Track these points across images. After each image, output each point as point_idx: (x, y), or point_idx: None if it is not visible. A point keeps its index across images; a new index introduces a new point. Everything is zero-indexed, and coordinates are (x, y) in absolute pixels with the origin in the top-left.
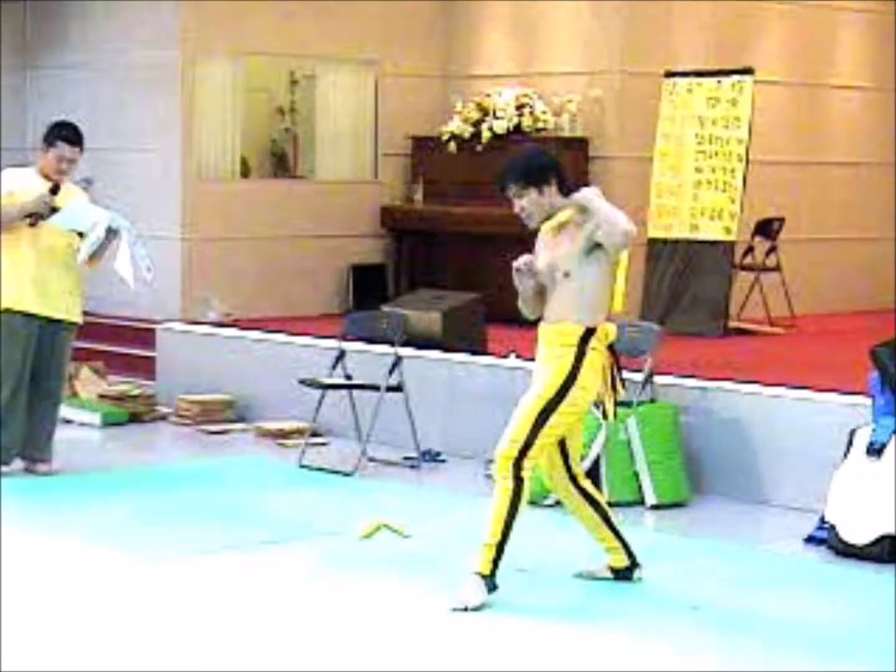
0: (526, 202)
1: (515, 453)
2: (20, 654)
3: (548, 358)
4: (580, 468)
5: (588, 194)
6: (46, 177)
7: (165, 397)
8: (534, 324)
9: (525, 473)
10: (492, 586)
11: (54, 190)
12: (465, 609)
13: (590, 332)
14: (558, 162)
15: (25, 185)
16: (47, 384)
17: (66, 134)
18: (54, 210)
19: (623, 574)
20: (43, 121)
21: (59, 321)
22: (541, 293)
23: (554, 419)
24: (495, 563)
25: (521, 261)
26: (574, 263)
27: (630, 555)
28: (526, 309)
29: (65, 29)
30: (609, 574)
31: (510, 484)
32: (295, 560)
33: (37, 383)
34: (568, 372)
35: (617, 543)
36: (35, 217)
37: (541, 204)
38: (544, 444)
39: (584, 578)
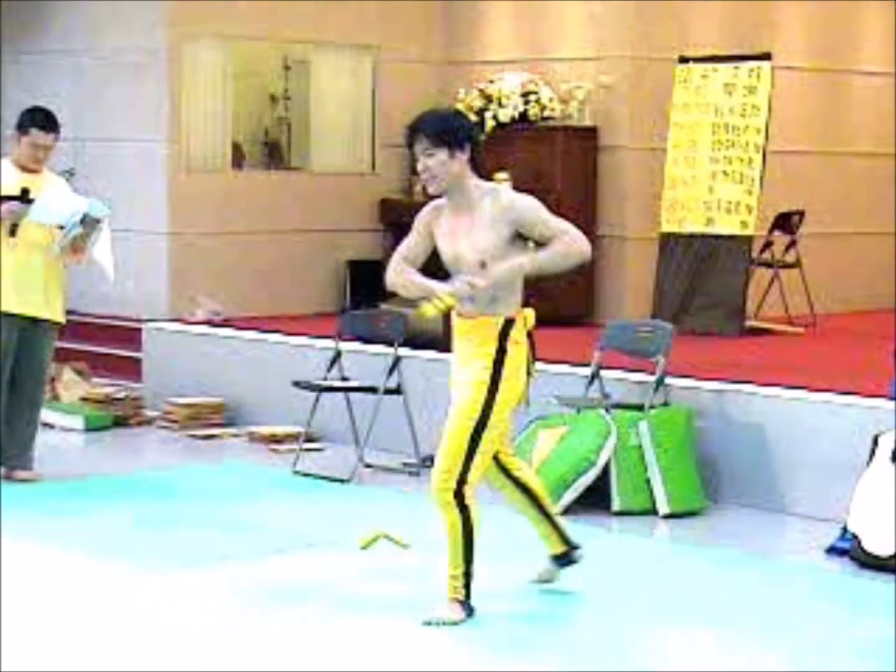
0: (433, 162)
1: (453, 486)
2: (8, 662)
3: (467, 355)
4: (511, 458)
5: (535, 210)
6: (22, 168)
7: (152, 400)
8: (541, 323)
9: (469, 501)
10: (469, 611)
11: (23, 195)
12: (434, 623)
13: (509, 324)
14: (477, 134)
15: (2, 177)
16: (26, 387)
17: (38, 120)
18: (30, 201)
19: (564, 559)
20: (23, 108)
21: (40, 321)
22: (411, 262)
23: (486, 435)
24: (467, 587)
25: (462, 288)
26: (496, 253)
27: (565, 539)
28: (405, 293)
29: (45, 12)
30: (553, 566)
31: (457, 516)
32: (289, 572)
33: (15, 386)
34: (489, 382)
35: (549, 529)
36: (10, 226)
37: (449, 169)
38: (482, 461)
39: (539, 583)
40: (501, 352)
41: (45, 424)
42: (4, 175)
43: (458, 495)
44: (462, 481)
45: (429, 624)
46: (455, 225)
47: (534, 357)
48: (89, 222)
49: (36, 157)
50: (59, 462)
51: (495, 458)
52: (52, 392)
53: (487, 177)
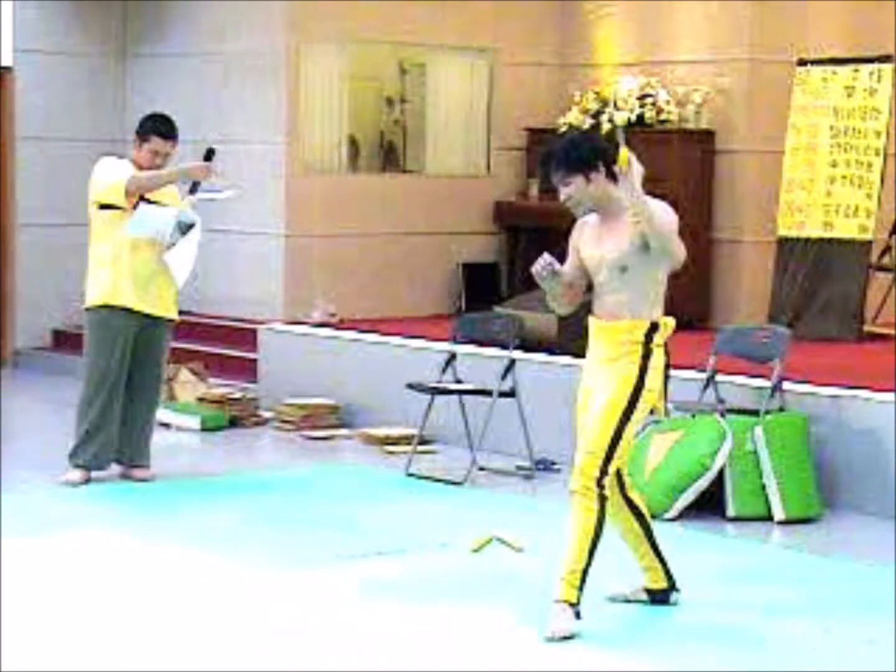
0: (572, 190)
1: (598, 466)
2: (120, 656)
3: (609, 358)
4: (628, 476)
5: (657, 211)
6: (140, 168)
7: (267, 401)
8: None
9: (607, 492)
10: (577, 614)
11: (208, 156)
12: (557, 638)
13: (654, 328)
14: (607, 147)
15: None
16: (144, 385)
17: (159, 128)
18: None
19: (659, 597)
20: (142, 110)
21: (156, 318)
22: (570, 285)
23: (629, 429)
24: (581, 589)
25: (539, 264)
26: (633, 258)
27: (669, 576)
28: (557, 306)
29: (166, 14)
30: (644, 596)
31: (594, 503)
32: (402, 573)
33: (133, 385)
34: (637, 376)
35: (656, 563)
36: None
37: (589, 192)
38: (620, 456)
39: (616, 602)
40: (647, 355)
41: (162, 424)
42: (125, 173)
43: (599, 482)
44: (605, 467)
45: (552, 639)
46: (600, 231)
47: (668, 367)
48: (185, 229)
49: (154, 163)
50: (174, 461)
51: (617, 470)
52: (168, 392)
53: None
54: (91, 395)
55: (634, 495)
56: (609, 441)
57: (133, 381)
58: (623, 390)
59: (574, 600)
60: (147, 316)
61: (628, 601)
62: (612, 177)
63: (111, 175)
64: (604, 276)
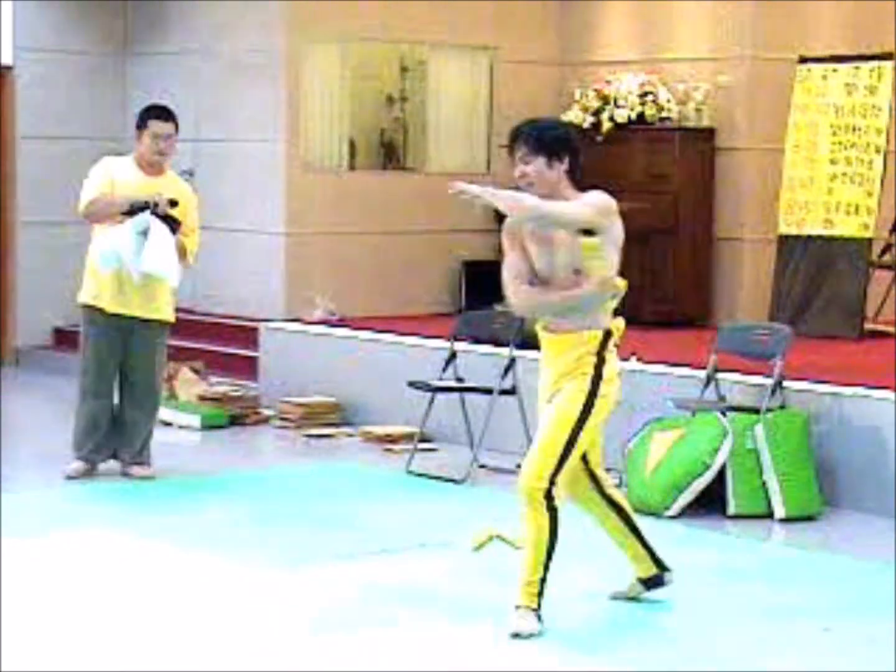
0: (531, 169)
1: (546, 485)
2: (117, 655)
3: (563, 367)
4: (604, 473)
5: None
6: (142, 167)
7: (268, 399)
8: (656, 325)
9: (558, 502)
10: (539, 617)
11: (173, 203)
12: (525, 635)
13: (608, 335)
14: (578, 145)
15: (122, 174)
16: (137, 386)
17: (156, 112)
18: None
19: (653, 583)
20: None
21: (146, 320)
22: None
23: (580, 439)
24: (541, 594)
25: (458, 186)
26: (584, 257)
27: (657, 561)
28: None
29: (166, 13)
30: (640, 587)
31: (544, 518)
32: (402, 572)
33: (127, 385)
34: (590, 387)
35: (643, 552)
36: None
37: (546, 178)
38: (570, 466)
39: (618, 600)
40: (601, 363)
41: (163, 422)
42: (127, 172)
43: (549, 496)
44: (553, 483)
45: (517, 636)
46: (548, 234)
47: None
48: (143, 231)
49: (158, 148)
50: (175, 459)
51: (591, 472)
52: (169, 390)
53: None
54: (83, 389)
55: (612, 491)
56: (557, 459)
57: (128, 382)
58: (575, 404)
59: (535, 606)
60: (136, 318)
61: (630, 598)
62: (571, 174)
63: (82, 193)
64: (554, 281)
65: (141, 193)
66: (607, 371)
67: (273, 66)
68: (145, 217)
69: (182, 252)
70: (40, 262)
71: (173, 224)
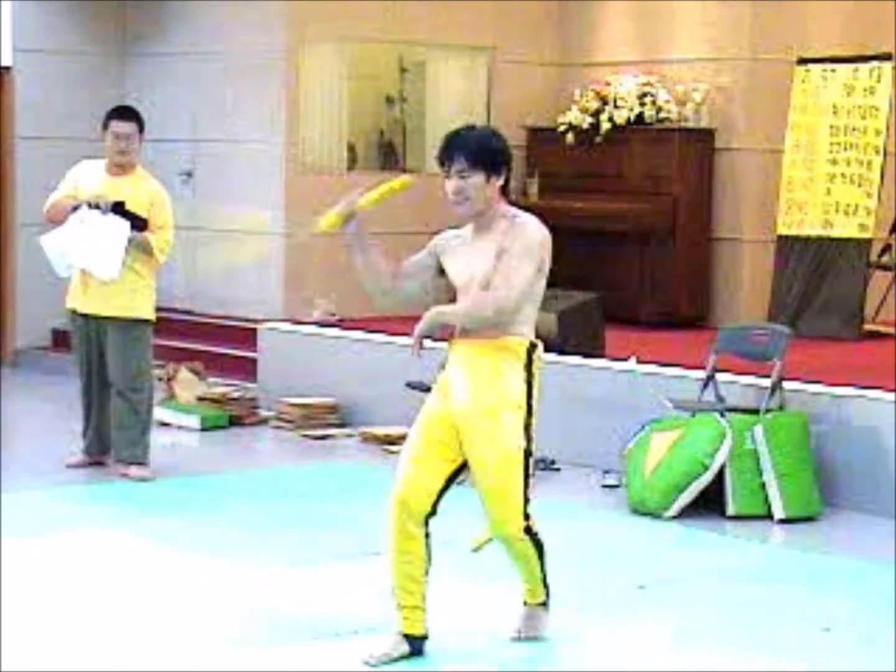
0: (469, 185)
1: (522, 524)
2: (117, 655)
3: (483, 380)
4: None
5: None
6: (109, 168)
7: (267, 400)
8: (655, 325)
9: (536, 528)
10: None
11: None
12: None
13: (533, 348)
14: (510, 156)
15: (87, 176)
16: (116, 384)
17: (117, 112)
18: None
19: (416, 644)
20: (141, 110)
21: (108, 318)
22: (394, 275)
23: (530, 463)
24: (547, 587)
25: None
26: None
27: (423, 629)
28: (374, 288)
29: (165, 14)
30: (403, 644)
31: (528, 546)
32: None
33: (106, 381)
34: (525, 409)
35: (422, 608)
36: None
37: (483, 194)
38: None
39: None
40: (531, 376)
41: (162, 423)
42: (89, 175)
43: (528, 530)
44: (527, 518)
45: (518, 639)
46: (473, 250)
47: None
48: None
49: (118, 147)
50: (174, 461)
51: (433, 509)
52: (168, 391)
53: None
54: (81, 387)
55: (430, 544)
56: (522, 494)
57: (108, 380)
58: (517, 422)
59: (543, 598)
60: (103, 317)
61: (393, 658)
62: (503, 189)
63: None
64: (466, 292)
65: (101, 194)
66: (536, 390)
67: (272, 67)
68: (83, 212)
69: (148, 249)
70: (38, 263)
71: (136, 221)
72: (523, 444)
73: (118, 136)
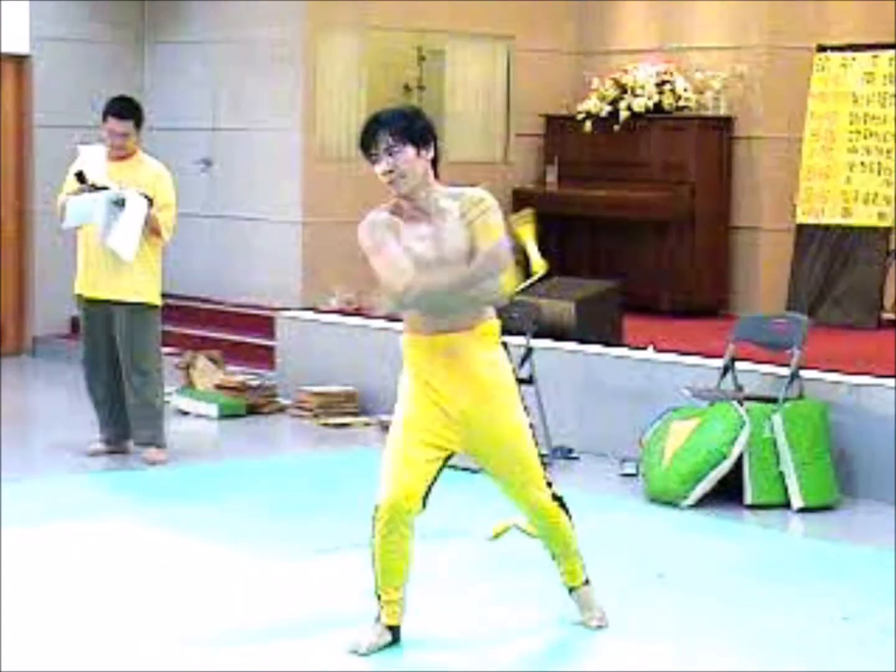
0: (401, 160)
1: (549, 493)
2: (132, 644)
3: (479, 372)
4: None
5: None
6: (109, 151)
7: (285, 388)
8: (674, 314)
9: (558, 492)
10: (587, 581)
11: (79, 177)
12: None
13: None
14: (437, 136)
15: (90, 164)
16: (124, 366)
17: (114, 107)
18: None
19: (394, 634)
20: (160, 98)
21: (116, 302)
22: None
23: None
24: (582, 566)
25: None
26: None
27: (400, 620)
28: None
29: (184, 3)
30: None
31: (559, 512)
32: (420, 560)
33: (119, 366)
34: (516, 381)
35: (403, 597)
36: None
37: (417, 169)
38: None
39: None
40: (505, 353)
41: (180, 411)
42: (92, 163)
43: (553, 496)
44: (549, 485)
45: (600, 627)
46: (420, 233)
47: None
48: (120, 204)
49: (113, 143)
50: (192, 448)
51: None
52: (186, 379)
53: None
54: (84, 374)
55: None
56: (535, 462)
57: (118, 364)
58: (515, 406)
59: (586, 577)
60: (109, 301)
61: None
62: (434, 167)
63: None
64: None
65: (107, 178)
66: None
67: (291, 55)
68: (122, 193)
69: (156, 227)
70: (56, 251)
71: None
72: (527, 419)
73: (113, 133)
